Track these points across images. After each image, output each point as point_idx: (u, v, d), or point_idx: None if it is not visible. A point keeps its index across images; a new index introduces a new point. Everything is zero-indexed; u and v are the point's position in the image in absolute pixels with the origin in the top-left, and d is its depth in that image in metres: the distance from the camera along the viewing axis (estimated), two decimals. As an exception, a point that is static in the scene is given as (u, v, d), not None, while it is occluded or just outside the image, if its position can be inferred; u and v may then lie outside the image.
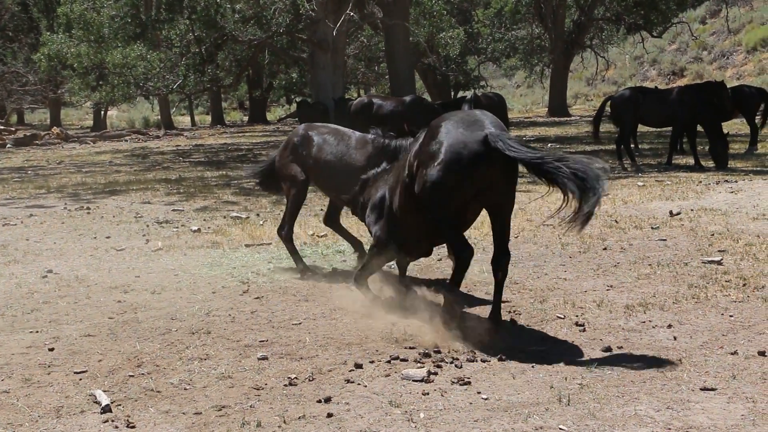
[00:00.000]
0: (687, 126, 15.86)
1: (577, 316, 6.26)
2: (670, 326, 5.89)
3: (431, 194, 5.71)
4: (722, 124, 15.74)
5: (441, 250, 8.13)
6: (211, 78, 25.89)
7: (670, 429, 4.17)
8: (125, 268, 8.59)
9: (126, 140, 35.10)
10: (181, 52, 24.67)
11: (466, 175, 5.57)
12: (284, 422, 4.39)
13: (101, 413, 4.56)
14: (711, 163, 15.55)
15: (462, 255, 5.82)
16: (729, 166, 15.36)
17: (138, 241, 10.22)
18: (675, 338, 5.62)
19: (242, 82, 43.22)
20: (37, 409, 4.68)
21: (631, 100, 16.27)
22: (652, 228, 9.67)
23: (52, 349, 5.77)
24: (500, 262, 5.88)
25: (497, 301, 6.00)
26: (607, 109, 17.22)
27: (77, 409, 4.68)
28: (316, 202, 13.21)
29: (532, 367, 5.14)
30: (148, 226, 11.38)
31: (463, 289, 6.55)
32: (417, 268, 8.05)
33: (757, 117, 18.26)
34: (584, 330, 5.89)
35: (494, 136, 5.50)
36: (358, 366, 5.21)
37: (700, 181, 13.56)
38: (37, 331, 6.28)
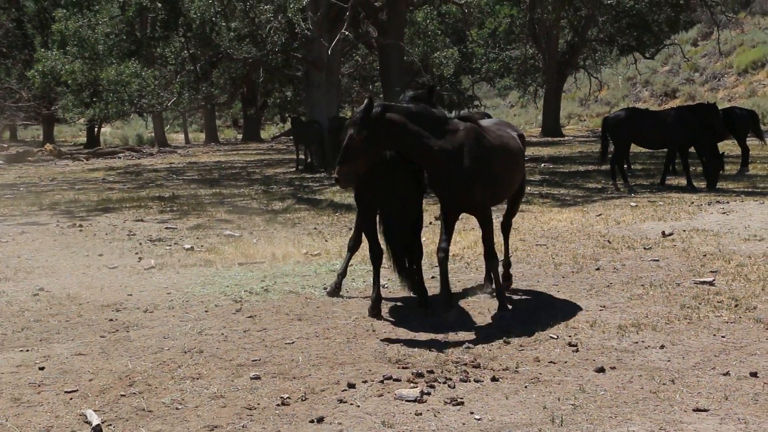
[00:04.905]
0: (683, 147, 15.90)
1: (570, 336, 6.25)
2: (662, 347, 5.89)
3: None
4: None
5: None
6: (205, 95, 25.90)
7: (662, 451, 4.17)
8: (117, 286, 8.56)
9: (119, 157, 35.10)
10: (176, 70, 24.70)
11: None
12: (276, 442, 4.37)
13: (92, 433, 4.54)
14: (703, 184, 15.62)
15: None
16: (721, 187, 15.44)
17: (131, 259, 10.19)
18: (668, 359, 5.62)
19: (237, 100, 43.25)
20: (26, 429, 4.65)
21: (626, 120, 16.17)
22: (644, 248, 9.69)
23: (42, 368, 5.74)
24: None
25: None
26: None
27: (67, 429, 4.65)
28: (309, 221, 13.21)
29: (525, 387, 5.13)
30: (140, 244, 11.35)
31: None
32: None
33: (747, 139, 18.39)
34: (577, 350, 5.88)
35: None
36: (351, 386, 5.19)
37: (692, 202, 13.61)
38: (27, 350, 6.25)
